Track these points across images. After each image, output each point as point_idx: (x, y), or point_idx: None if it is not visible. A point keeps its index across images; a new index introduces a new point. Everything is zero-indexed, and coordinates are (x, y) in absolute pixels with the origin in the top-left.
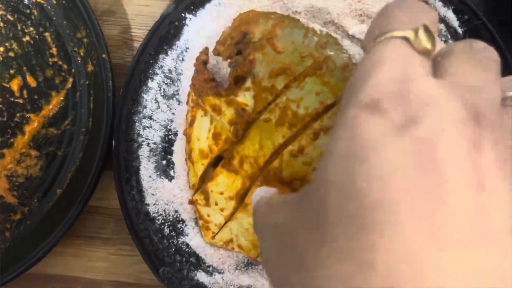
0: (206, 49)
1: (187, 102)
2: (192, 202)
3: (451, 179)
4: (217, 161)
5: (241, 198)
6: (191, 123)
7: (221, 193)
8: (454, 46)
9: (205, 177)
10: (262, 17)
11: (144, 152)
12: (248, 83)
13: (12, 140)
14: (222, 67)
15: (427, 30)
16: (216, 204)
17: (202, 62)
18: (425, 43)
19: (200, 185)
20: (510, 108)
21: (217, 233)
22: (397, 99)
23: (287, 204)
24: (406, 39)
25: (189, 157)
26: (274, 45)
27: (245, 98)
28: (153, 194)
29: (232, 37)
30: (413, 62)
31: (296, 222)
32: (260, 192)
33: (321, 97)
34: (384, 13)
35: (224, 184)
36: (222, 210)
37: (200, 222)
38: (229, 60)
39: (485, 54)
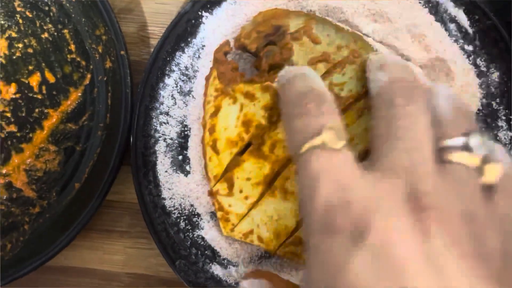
0: (227, 41)
1: (204, 94)
2: (211, 193)
3: (412, 274)
4: (243, 149)
5: (269, 183)
6: (215, 113)
7: (248, 179)
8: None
9: (231, 165)
10: (292, 13)
11: (160, 147)
12: None
13: (31, 135)
14: (243, 61)
15: (331, 128)
16: (241, 191)
17: (223, 53)
18: (336, 143)
19: (225, 173)
20: (447, 165)
21: (237, 224)
22: (343, 212)
23: None
24: (322, 144)
25: (213, 148)
26: (311, 36)
27: None
28: (169, 189)
29: (259, 31)
30: (340, 167)
31: None
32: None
33: (362, 82)
34: (288, 127)
35: (251, 170)
36: (246, 198)
37: (220, 214)
38: (256, 52)
39: (403, 94)
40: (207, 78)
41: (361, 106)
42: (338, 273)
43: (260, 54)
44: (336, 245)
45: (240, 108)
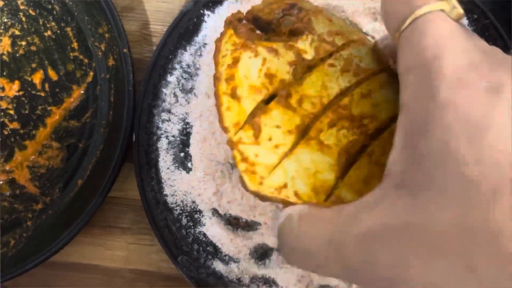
0: (239, 11)
1: (214, 55)
2: (231, 143)
3: None
4: (270, 97)
5: (302, 133)
6: (233, 64)
7: (278, 127)
8: None
9: (255, 113)
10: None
11: (163, 144)
12: (307, 36)
13: (34, 132)
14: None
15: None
16: (270, 139)
17: (237, 19)
18: (460, 10)
19: (249, 120)
20: None
21: (267, 177)
22: (476, 70)
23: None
24: (442, 10)
25: (232, 95)
26: (326, 16)
27: (305, 46)
28: (171, 185)
29: (272, 9)
30: (461, 33)
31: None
32: (286, 212)
33: (375, 62)
34: None
35: (280, 119)
36: (276, 147)
37: (243, 166)
38: (271, 22)
39: None
40: (219, 40)
41: (382, 79)
42: (482, 133)
43: (280, 20)
44: (475, 100)
45: (262, 62)
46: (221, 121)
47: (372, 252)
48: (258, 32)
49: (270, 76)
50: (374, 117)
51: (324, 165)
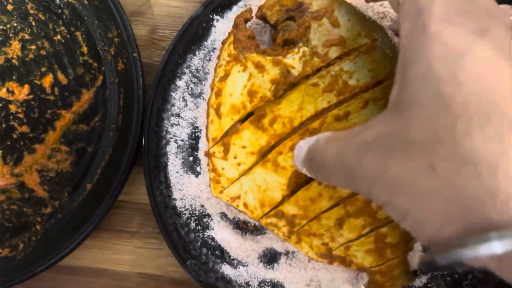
0: (250, 8)
1: (218, 57)
2: (208, 154)
3: None
4: (245, 117)
5: (263, 155)
6: (224, 78)
7: (244, 147)
8: None
9: (230, 131)
10: None
11: (172, 148)
12: (299, 48)
13: (43, 135)
14: (262, 31)
15: None
16: (235, 157)
17: (244, 19)
18: None
19: (223, 138)
20: None
21: (226, 188)
22: (464, 14)
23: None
24: None
25: (216, 111)
26: (331, 19)
27: (294, 60)
28: (180, 189)
29: (282, 5)
30: None
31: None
32: (307, 142)
33: (372, 74)
34: None
35: (248, 139)
36: (239, 164)
37: (212, 174)
38: (275, 25)
39: None
40: (224, 42)
41: (367, 98)
42: (460, 59)
43: (279, 27)
44: (459, 35)
45: (248, 78)
46: (206, 131)
47: (362, 157)
48: (256, 39)
49: (252, 93)
50: None
51: (275, 184)
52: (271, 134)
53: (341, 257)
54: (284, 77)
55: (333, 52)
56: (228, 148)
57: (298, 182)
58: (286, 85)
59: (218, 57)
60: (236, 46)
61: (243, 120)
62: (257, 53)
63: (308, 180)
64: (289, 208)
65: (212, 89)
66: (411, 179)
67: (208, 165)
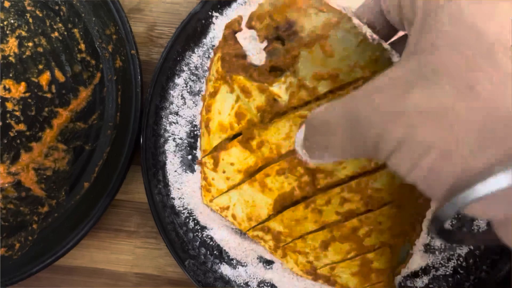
0: (240, 17)
1: (209, 69)
2: (200, 163)
3: None
4: (234, 135)
5: (250, 174)
6: (213, 94)
7: (232, 164)
8: None
9: (218, 147)
10: (312, 7)
11: (170, 147)
12: (286, 78)
13: (40, 133)
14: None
15: None
16: (224, 172)
17: (232, 31)
18: None
19: (212, 152)
20: None
21: (216, 197)
22: None
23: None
24: None
25: (206, 125)
26: (324, 47)
27: (280, 90)
28: (178, 189)
29: (273, 19)
30: None
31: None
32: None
33: None
34: None
35: (237, 157)
36: (227, 179)
37: (203, 182)
38: (265, 43)
39: None
40: (215, 52)
41: None
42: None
43: (265, 49)
44: None
45: (236, 99)
46: (200, 139)
47: (374, 98)
48: (243, 61)
49: (239, 115)
50: (330, 174)
51: (261, 202)
52: (258, 156)
53: (326, 276)
54: (270, 105)
55: (323, 87)
56: (217, 162)
57: (283, 205)
58: (273, 114)
59: (209, 68)
60: (223, 65)
61: (232, 138)
62: (244, 77)
63: (294, 203)
64: (275, 225)
65: (203, 101)
66: (442, 104)
67: (200, 172)
